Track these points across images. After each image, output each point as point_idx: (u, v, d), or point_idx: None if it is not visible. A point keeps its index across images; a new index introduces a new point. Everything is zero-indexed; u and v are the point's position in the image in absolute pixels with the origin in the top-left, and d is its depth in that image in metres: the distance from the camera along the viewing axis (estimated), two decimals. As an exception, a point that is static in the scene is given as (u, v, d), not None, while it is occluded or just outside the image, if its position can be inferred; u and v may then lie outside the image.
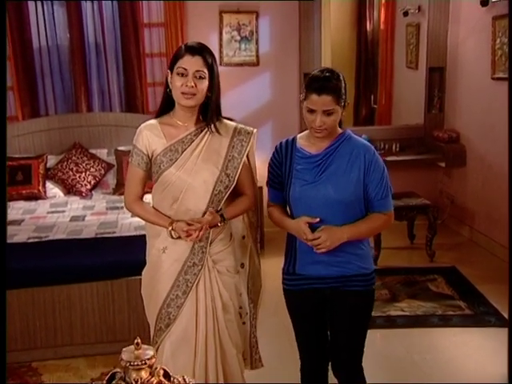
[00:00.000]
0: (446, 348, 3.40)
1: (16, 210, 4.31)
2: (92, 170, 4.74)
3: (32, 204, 4.47)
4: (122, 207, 4.13)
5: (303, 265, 2.24)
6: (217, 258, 2.30)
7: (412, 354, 3.32)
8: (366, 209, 2.21)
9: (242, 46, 5.22)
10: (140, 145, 2.24)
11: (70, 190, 4.69)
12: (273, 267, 3.95)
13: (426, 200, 4.77)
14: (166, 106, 2.27)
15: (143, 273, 2.39)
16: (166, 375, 1.18)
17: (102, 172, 4.79)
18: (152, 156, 2.24)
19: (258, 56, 5.26)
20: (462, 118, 5.23)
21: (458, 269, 4.47)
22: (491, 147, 4.76)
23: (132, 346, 1.14)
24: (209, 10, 5.13)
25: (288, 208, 2.29)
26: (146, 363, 1.10)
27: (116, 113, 5.14)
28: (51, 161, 4.79)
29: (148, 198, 2.38)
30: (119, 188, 4.62)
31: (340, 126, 2.23)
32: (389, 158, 4.90)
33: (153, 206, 2.30)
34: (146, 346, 1.15)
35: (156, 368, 1.14)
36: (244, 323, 2.44)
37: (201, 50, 2.17)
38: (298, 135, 2.29)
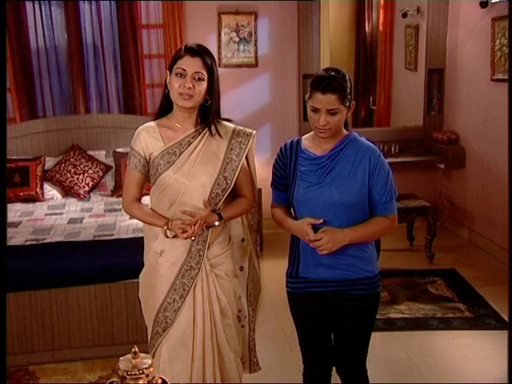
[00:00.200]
0: (445, 351, 3.39)
1: (13, 212, 4.29)
2: (90, 171, 4.72)
3: (30, 206, 4.45)
4: (120, 209, 4.11)
5: (306, 268, 2.22)
6: (215, 262, 2.28)
7: (412, 357, 3.30)
8: (369, 212, 2.19)
9: (241, 47, 5.21)
10: (137, 147, 2.23)
11: (67, 191, 4.68)
12: (271, 269, 3.93)
13: (425, 202, 4.76)
14: (165, 107, 2.25)
15: (140, 276, 2.38)
16: (164, 384, 1.16)
17: (100, 174, 4.77)
18: (150, 158, 2.23)
19: (256, 57, 5.24)
20: (462, 120, 5.22)
21: (457, 271, 4.46)
22: (491, 149, 4.75)
23: (129, 355, 1.11)
24: (207, 11, 5.11)
25: (292, 209, 2.28)
26: (143, 373, 1.08)
27: (114, 114, 5.12)
28: (49, 162, 4.77)
29: (146, 199, 2.36)
30: (117, 190, 4.60)
31: (346, 128, 2.22)
32: (388, 160, 4.79)
33: (151, 209, 2.28)
34: (143, 355, 1.13)
35: (154, 377, 1.11)
36: (243, 327, 2.43)
37: (201, 52, 2.15)
38: (303, 136, 2.27)
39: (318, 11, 5.09)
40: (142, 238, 2.40)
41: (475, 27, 4.86)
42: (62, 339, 3.28)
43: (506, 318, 3.62)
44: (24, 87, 4.97)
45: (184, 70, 2.12)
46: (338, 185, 2.13)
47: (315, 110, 2.09)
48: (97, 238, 3.69)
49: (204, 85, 2.15)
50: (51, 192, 4.64)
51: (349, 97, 2.10)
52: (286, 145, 2.27)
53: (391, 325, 3.66)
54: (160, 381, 1.11)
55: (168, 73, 2.19)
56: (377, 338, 3.45)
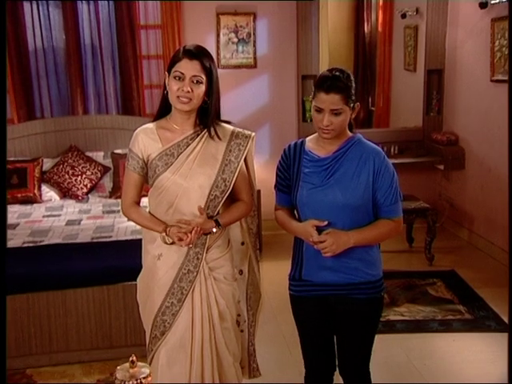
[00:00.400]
0: (445, 353, 3.37)
1: (11, 213, 4.26)
2: (88, 173, 4.70)
3: (27, 208, 4.43)
4: (118, 211, 4.09)
5: (310, 270, 2.20)
6: (213, 265, 2.26)
7: (412, 359, 3.29)
8: (373, 214, 2.17)
9: (240, 47, 5.19)
10: (135, 149, 2.21)
11: (65, 193, 4.65)
12: (270, 271, 3.91)
13: (424, 203, 4.75)
14: (164, 108, 2.24)
15: (138, 279, 2.36)
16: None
17: (99, 175, 4.75)
18: (148, 160, 2.21)
19: (255, 58, 5.23)
20: (461, 121, 5.21)
21: (457, 272, 4.45)
22: (490, 149, 4.74)
23: (127, 364, 1.10)
24: (206, 12, 5.10)
25: (296, 211, 2.26)
26: (141, 382, 1.06)
27: (112, 115, 5.10)
28: (47, 164, 4.75)
29: (145, 201, 2.34)
30: (115, 191, 4.58)
31: (350, 130, 2.20)
32: (387, 161, 4.86)
33: (149, 211, 2.27)
34: (141, 364, 1.11)
35: (151, 386, 1.09)
36: (242, 331, 2.41)
37: (199, 54, 2.12)
38: (307, 138, 2.25)
39: (316, 12, 5.08)
40: (141, 240, 2.37)
41: (475, 28, 4.85)
42: (59, 342, 3.26)
43: (506, 320, 3.61)
44: (22, 88, 4.96)
45: (182, 73, 2.10)
46: (341, 187, 2.11)
47: (319, 110, 2.07)
48: (95, 240, 3.67)
49: (202, 87, 2.13)
50: (49, 193, 4.62)
51: (353, 97, 2.08)
52: (289, 146, 2.25)
53: (391, 327, 3.64)
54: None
55: (167, 74, 2.17)
56: (377, 341, 3.41)
